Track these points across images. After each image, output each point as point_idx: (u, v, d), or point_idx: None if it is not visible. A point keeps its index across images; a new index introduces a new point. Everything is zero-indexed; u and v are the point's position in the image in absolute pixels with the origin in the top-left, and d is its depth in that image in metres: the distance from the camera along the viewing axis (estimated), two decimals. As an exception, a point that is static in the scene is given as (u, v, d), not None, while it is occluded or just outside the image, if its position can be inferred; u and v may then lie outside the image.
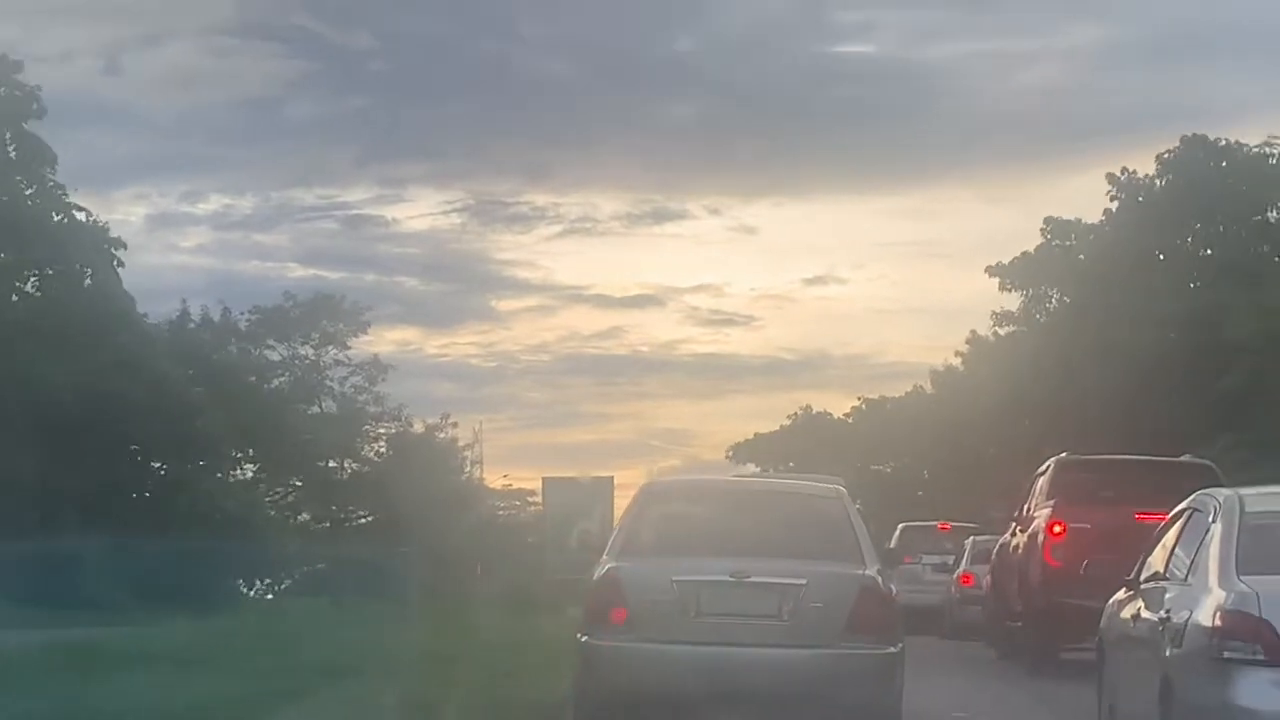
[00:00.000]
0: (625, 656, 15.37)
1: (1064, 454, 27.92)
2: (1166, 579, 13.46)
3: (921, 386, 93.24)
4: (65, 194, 53.90)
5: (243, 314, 76.44)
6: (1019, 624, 27.34)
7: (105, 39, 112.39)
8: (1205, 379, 54.00)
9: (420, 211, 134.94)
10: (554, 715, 17.66)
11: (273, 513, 73.96)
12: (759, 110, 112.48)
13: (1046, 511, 25.80)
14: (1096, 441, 42.66)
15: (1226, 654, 11.12)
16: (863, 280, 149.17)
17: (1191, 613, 11.85)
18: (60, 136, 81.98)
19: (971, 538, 38.15)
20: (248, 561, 59.83)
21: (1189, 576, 12.63)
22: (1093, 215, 67.15)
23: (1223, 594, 11.53)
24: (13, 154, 53.31)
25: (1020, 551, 27.21)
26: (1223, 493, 13.41)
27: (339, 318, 78.55)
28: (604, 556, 16.38)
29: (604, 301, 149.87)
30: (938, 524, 46.07)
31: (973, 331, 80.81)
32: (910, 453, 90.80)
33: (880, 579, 16.00)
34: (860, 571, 15.76)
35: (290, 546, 66.09)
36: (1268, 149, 63.38)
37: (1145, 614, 13.46)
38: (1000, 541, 30.32)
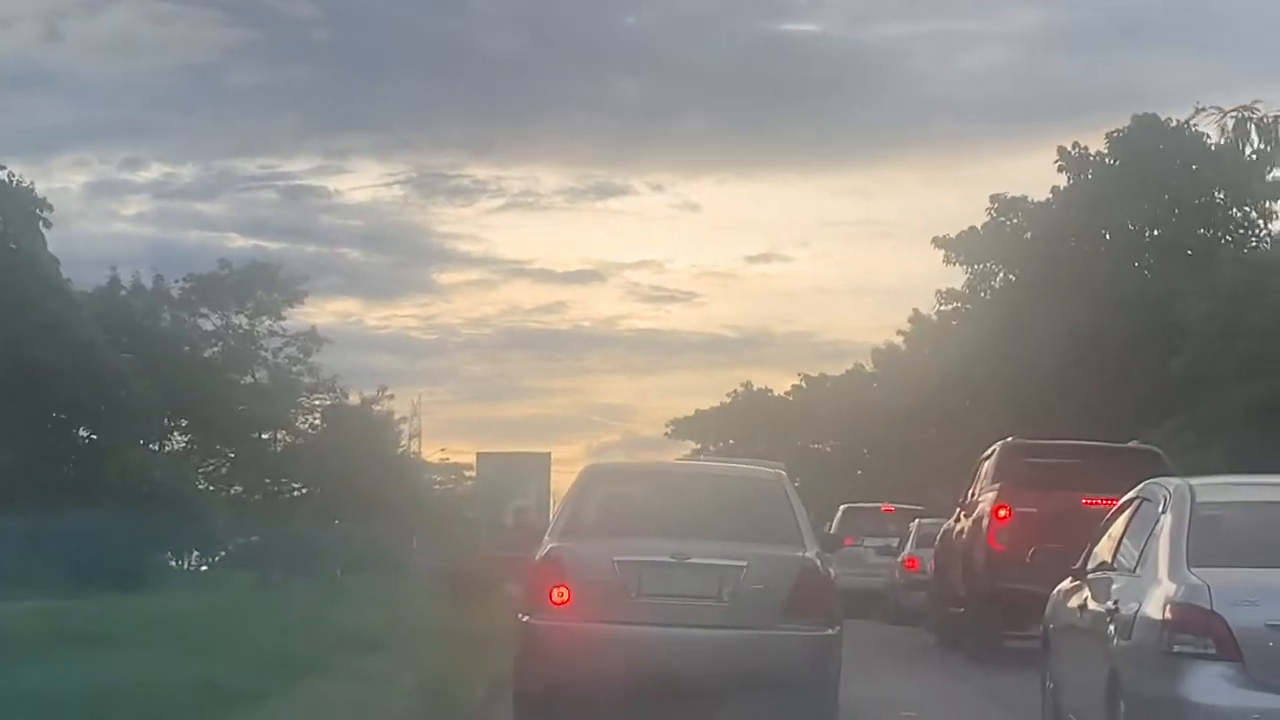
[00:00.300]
0: (566, 636, 15.42)
1: (1010, 438, 27.38)
2: (1114, 569, 13.20)
3: (862, 365, 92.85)
4: None
5: (176, 282, 75.91)
6: (961, 610, 26.58)
7: (45, 5, 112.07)
8: (1153, 361, 53.25)
9: (362, 183, 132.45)
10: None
11: (204, 485, 73.77)
12: (704, 87, 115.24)
13: (992, 495, 25.17)
14: (1042, 424, 42.65)
15: (1177, 648, 10.86)
16: (806, 258, 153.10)
17: (1141, 604, 11.60)
18: None
19: (916, 520, 37.39)
20: (177, 534, 59.05)
21: (1138, 567, 12.39)
22: (1040, 195, 66.43)
23: (1173, 586, 11.27)
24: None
25: (964, 536, 26.56)
26: (1173, 482, 13.20)
27: (274, 287, 77.80)
28: (546, 537, 16.55)
29: (546, 276, 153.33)
30: (881, 506, 45.14)
31: (915, 310, 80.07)
32: (850, 432, 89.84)
33: (820, 562, 16.20)
34: (800, 554, 15.94)
35: (221, 519, 65.27)
36: (1194, 125, 62.72)
37: (1092, 605, 13.20)
38: (944, 526, 29.62)
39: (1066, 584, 14.65)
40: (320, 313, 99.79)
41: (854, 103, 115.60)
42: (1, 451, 46.42)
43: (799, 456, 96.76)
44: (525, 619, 15.87)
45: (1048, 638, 15.20)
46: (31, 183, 55.35)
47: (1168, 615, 11.03)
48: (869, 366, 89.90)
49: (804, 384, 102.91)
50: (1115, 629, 12.03)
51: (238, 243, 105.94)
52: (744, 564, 15.53)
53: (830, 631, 15.70)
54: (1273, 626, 10.64)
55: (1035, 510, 24.07)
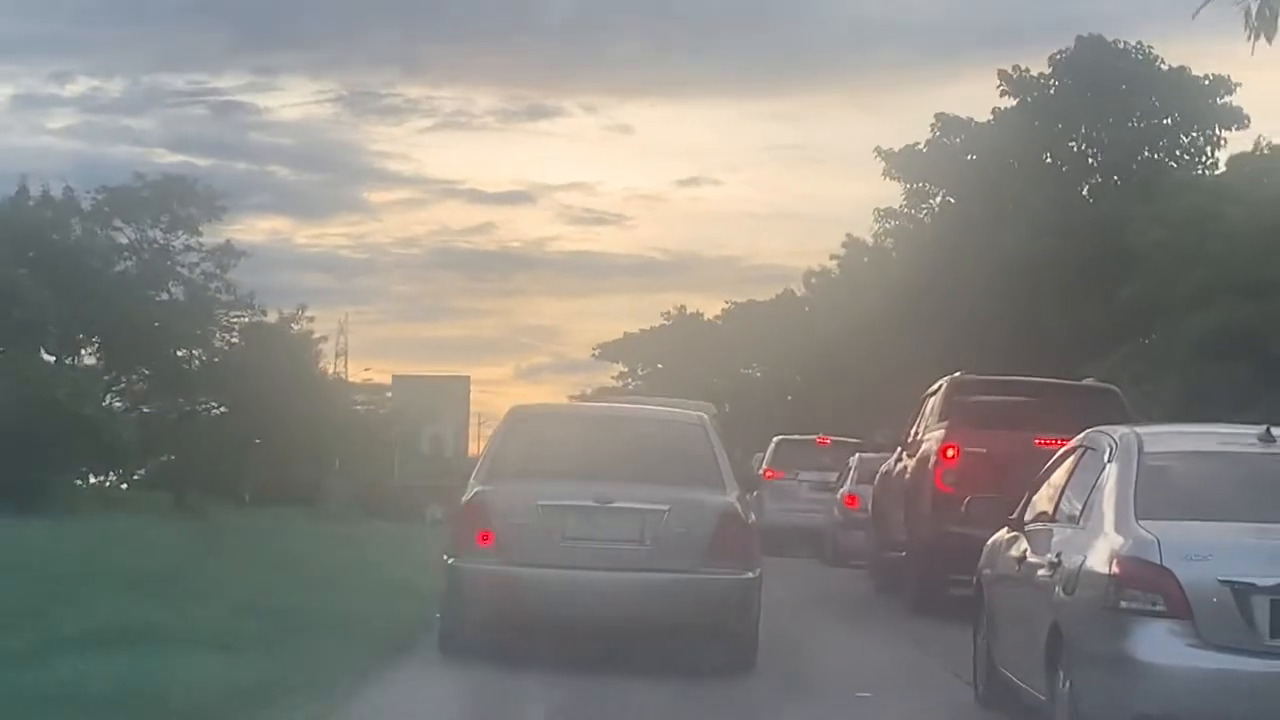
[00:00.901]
0: (491, 579, 15.61)
1: (958, 372, 25.41)
2: (1055, 520, 12.73)
3: (793, 290, 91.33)
4: None
5: (89, 193, 73.09)
6: (903, 554, 24.60)
7: None
8: (1100, 289, 51.75)
9: (293, 101, 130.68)
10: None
11: (116, 403, 72.07)
12: (638, 9, 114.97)
13: (939, 434, 23.08)
14: (976, 352, 41.79)
15: (1124, 604, 10.41)
16: (737, 183, 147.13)
17: (1086, 558, 11.15)
18: None
19: (857, 455, 34.82)
20: (83, 453, 58.05)
21: (1082, 519, 11.90)
22: (983, 118, 64.61)
23: (1120, 539, 10.82)
24: None
25: (908, 477, 24.49)
26: (1119, 431, 12.64)
27: (191, 201, 74.88)
28: (471, 479, 16.65)
29: (476, 197, 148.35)
30: (816, 438, 42.82)
31: (849, 235, 78.46)
32: (780, 357, 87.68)
33: (740, 506, 16.48)
34: (721, 498, 16.22)
35: (128, 437, 62.87)
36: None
37: (1032, 557, 12.70)
38: (884, 467, 27.54)
39: (1003, 534, 14.18)
40: (250, 230, 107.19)
41: (788, 27, 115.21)
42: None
43: (729, 380, 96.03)
44: (450, 561, 16.03)
45: (981, 589, 14.58)
46: None
47: (1115, 569, 10.54)
48: (800, 291, 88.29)
49: (734, 308, 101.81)
50: (1058, 583, 11.51)
51: (166, 159, 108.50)
52: (666, 508, 15.73)
53: (750, 575, 15.94)
54: (1224, 582, 10.13)
55: (985, 451, 21.96)
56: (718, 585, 15.70)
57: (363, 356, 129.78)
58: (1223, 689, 10.08)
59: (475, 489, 16.30)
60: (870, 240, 74.12)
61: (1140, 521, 10.81)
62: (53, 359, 58.64)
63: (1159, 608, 10.19)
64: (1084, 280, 54.68)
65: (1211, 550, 10.34)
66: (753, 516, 17.54)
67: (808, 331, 78.89)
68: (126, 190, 74.29)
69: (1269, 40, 20.83)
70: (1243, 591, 10.11)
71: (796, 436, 43.80)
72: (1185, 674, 10.11)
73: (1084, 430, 13.59)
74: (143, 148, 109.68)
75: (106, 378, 73.12)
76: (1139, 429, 12.73)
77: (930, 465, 22.83)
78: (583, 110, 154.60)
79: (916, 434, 25.16)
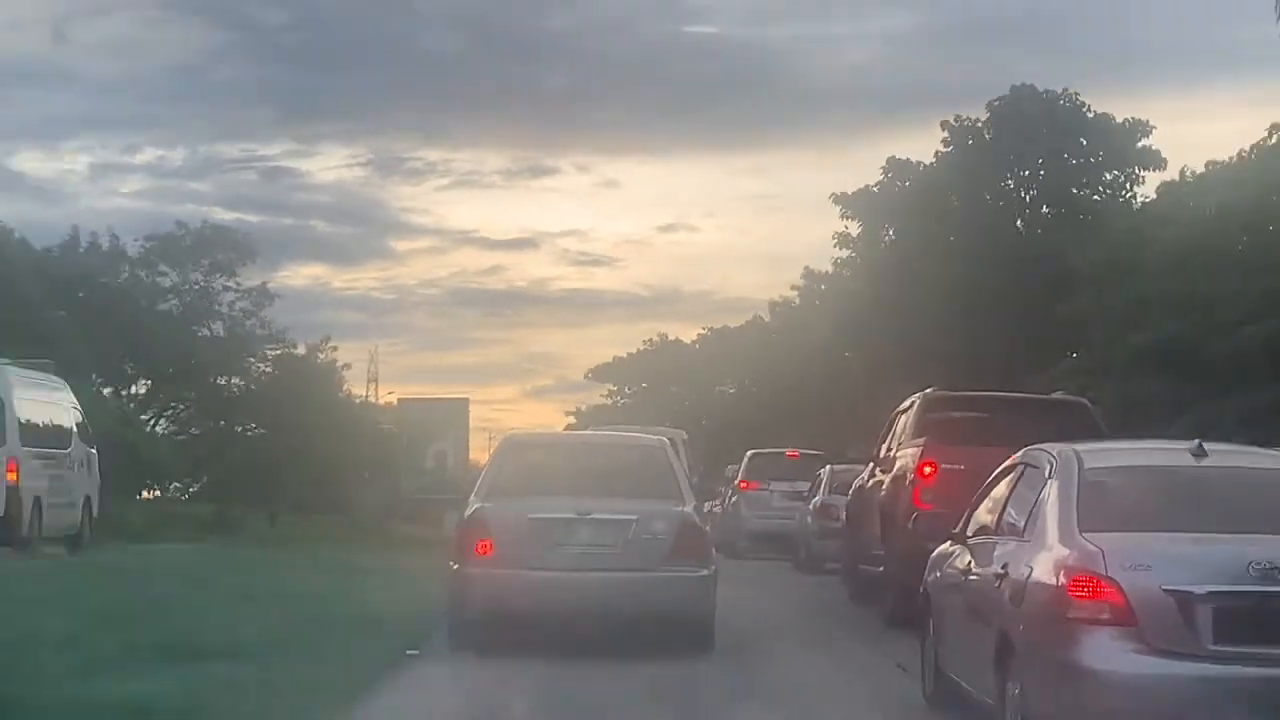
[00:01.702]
0: (490, 581, 15.73)
1: (930, 388, 21.88)
2: (998, 533, 11.80)
3: (760, 317, 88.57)
4: None
5: (136, 241, 70.59)
6: (879, 569, 21.07)
7: (53, 10, 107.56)
8: (1037, 309, 49.11)
9: (330, 165, 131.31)
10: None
11: (165, 426, 71.20)
12: (622, 80, 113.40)
13: (914, 450, 19.56)
14: (922, 371, 38.92)
15: (1072, 613, 9.59)
16: (710, 228, 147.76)
17: (1032, 569, 10.25)
18: (10, 95, 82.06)
19: (828, 467, 31.59)
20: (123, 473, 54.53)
21: (1025, 532, 10.95)
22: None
23: (1066, 551, 10.00)
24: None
25: (884, 493, 20.92)
26: (1057, 448, 11.56)
27: (229, 247, 72.66)
28: (472, 497, 16.75)
29: (487, 244, 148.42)
30: (786, 451, 39.90)
31: (807, 267, 76.70)
32: (750, 376, 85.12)
33: (696, 515, 16.93)
34: (680, 509, 16.49)
35: (169, 458, 60.79)
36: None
37: (978, 569, 11.76)
38: (857, 481, 24.07)
39: (945, 547, 13.28)
40: (294, 276, 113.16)
41: (751, 93, 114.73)
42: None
43: (704, 398, 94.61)
44: (456, 567, 16.18)
45: (928, 598, 13.54)
46: None
47: (1062, 580, 9.73)
48: (766, 318, 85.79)
49: (708, 334, 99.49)
50: (1005, 593, 10.62)
51: (221, 216, 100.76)
52: (634, 518, 16.06)
53: (706, 572, 16.20)
54: (1168, 591, 9.38)
55: (963, 467, 18.45)
56: (678, 581, 15.90)
57: (392, 382, 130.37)
58: (1169, 693, 9.25)
59: (475, 506, 16.53)
60: (830, 270, 71.78)
61: (1084, 534, 9.96)
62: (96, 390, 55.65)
63: (1105, 616, 9.40)
64: (1021, 301, 52.52)
65: (1153, 560, 9.53)
66: (708, 524, 18.22)
67: (773, 353, 76.65)
68: (171, 238, 72.01)
69: None
70: (1185, 599, 9.31)
71: (768, 450, 40.66)
72: (1133, 680, 9.28)
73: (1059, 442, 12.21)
74: (203, 207, 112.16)
75: (155, 405, 71.58)
76: (1077, 446, 11.65)
77: (908, 482, 19.45)
78: (576, 169, 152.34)
79: (890, 450, 21.71)
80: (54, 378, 31.72)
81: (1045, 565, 10.08)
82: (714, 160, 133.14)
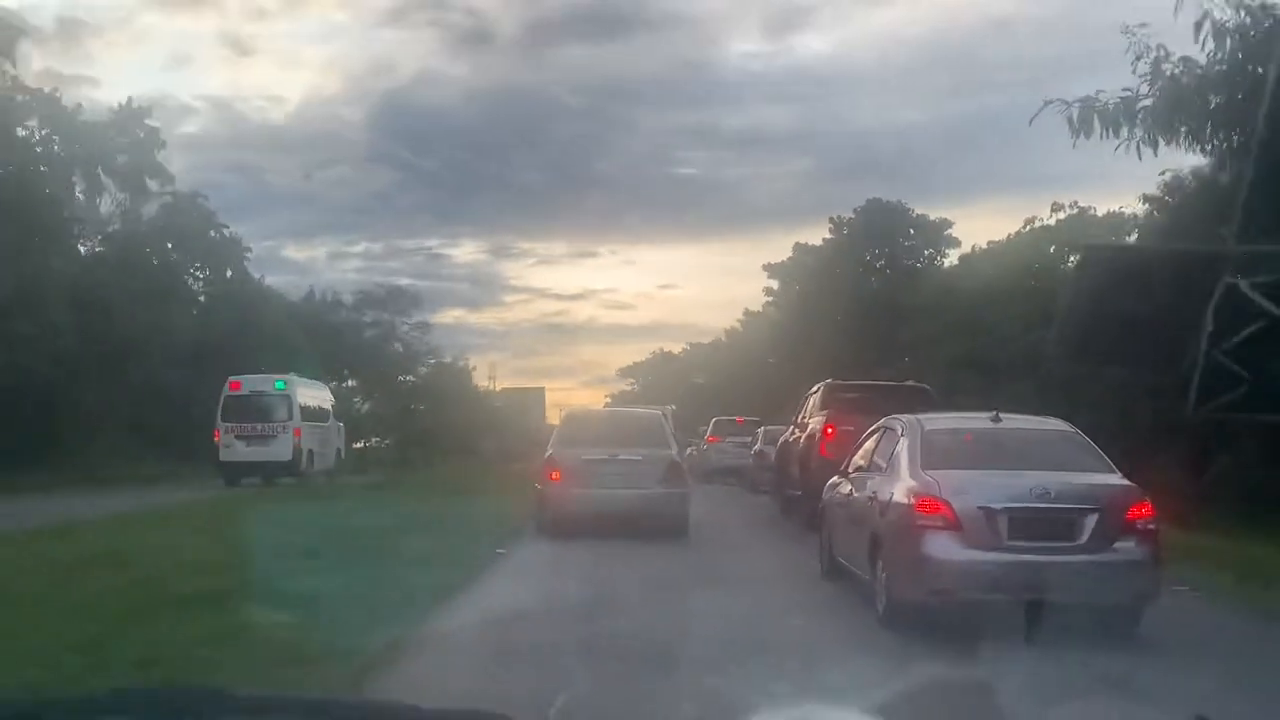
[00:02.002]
0: (560, 496, 15.64)
1: (830, 379, 20.29)
2: (868, 471, 10.89)
3: (720, 338, 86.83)
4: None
5: (350, 296, 69.72)
6: (799, 494, 19.45)
7: (303, 161, 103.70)
8: (884, 334, 47.48)
9: (466, 252, 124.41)
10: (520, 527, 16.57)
11: (367, 408, 68.62)
12: (638, 200, 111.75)
13: (821, 419, 18.04)
14: (815, 371, 37.53)
15: (920, 522, 8.93)
16: (689, 286, 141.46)
17: (893, 494, 9.58)
18: (278, 212, 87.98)
19: (763, 428, 29.86)
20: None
21: (888, 470, 10.14)
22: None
23: (914, 483, 9.33)
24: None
25: (801, 445, 19.33)
26: (907, 417, 10.78)
27: (405, 299, 71.52)
28: (548, 447, 16.41)
29: (558, 297, 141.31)
30: (736, 418, 38.17)
31: (746, 309, 76.13)
32: (716, 372, 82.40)
33: (678, 457, 16.76)
34: (668, 453, 16.31)
35: (370, 424, 60.87)
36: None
37: (856, 493, 11.01)
38: (782, 438, 22.46)
39: (835, 479, 12.38)
40: (445, 316, 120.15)
41: (714, 207, 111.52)
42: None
43: (686, 386, 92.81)
44: (539, 488, 16.05)
45: (824, 512, 12.56)
46: (235, 232, 47.55)
47: (912, 500, 9.15)
48: (724, 339, 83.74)
49: (690, 348, 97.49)
50: (876, 509, 9.94)
51: (403, 281, 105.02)
52: (642, 458, 15.87)
53: (684, 491, 16.02)
54: (980, 508, 8.79)
55: (852, 428, 16.93)
56: (667, 496, 15.74)
57: (504, 378, 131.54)
58: (982, 572, 8.71)
59: (550, 451, 16.25)
60: (760, 309, 70.21)
61: (925, 470, 9.43)
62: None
63: (940, 524, 8.86)
64: (876, 327, 50.31)
65: (970, 487, 9.00)
66: (686, 463, 17.83)
67: (727, 358, 75.05)
68: (371, 294, 70.84)
69: (1086, 137, 16.09)
70: (990, 512, 8.80)
71: (724, 418, 39.06)
72: (959, 564, 8.75)
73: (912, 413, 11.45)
74: (392, 277, 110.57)
75: (361, 394, 69.68)
76: (919, 415, 10.84)
77: (817, 439, 17.81)
78: (610, 252, 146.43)
79: (804, 418, 20.11)
80: (318, 382, 34.12)
81: (901, 491, 9.44)
82: (692, 246, 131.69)
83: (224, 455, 27.93)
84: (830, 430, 17.52)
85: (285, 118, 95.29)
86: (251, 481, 27.33)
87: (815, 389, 20.13)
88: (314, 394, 32.15)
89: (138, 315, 35.97)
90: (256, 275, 48.92)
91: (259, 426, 28.26)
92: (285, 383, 29.58)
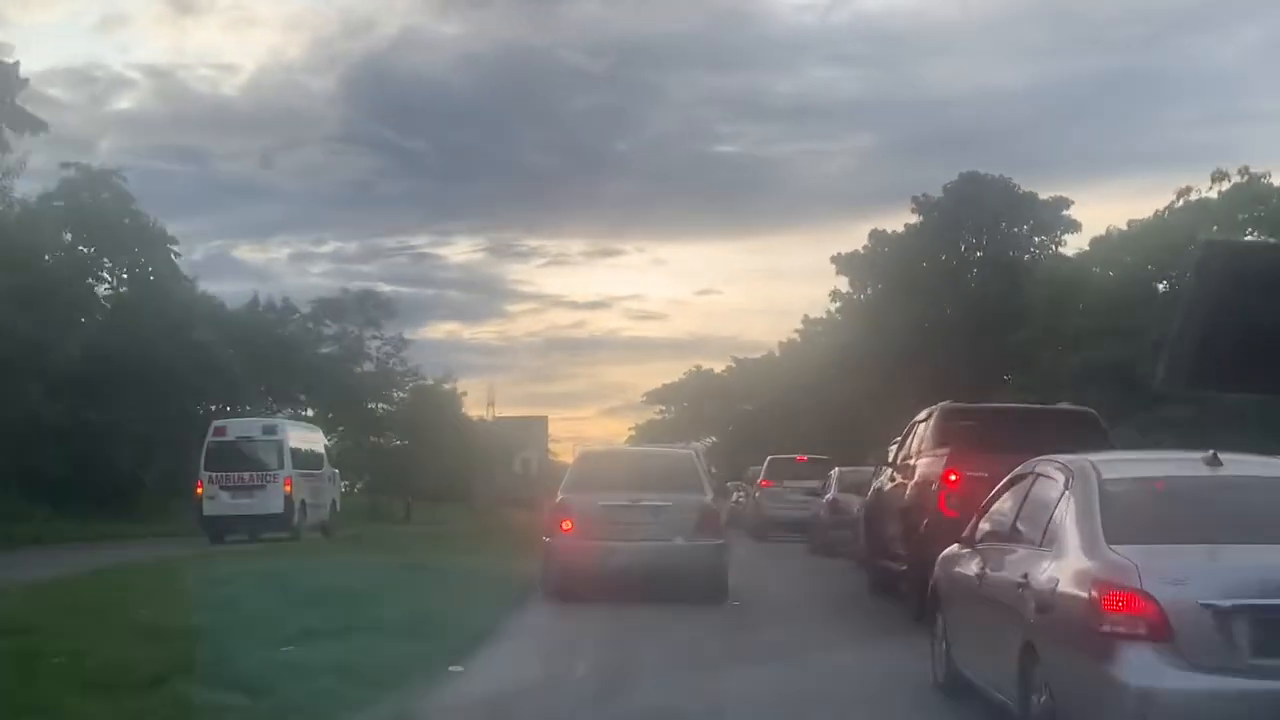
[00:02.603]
0: (572, 549, 15.63)
1: (946, 402, 16.75)
2: (1011, 541, 8.45)
3: (772, 352, 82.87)
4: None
5: (306, 303, 66.98)
6: (901, 566, 15.98)
7: (261, 143, 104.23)
8: (991, 339, 44.21)
9: (460, 251, 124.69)
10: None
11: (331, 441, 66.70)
12: (669, 186, 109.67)
13: (939, 460, 14.61)
14: (904, 393, 35.32)
15: (1106, 627, 6.59)
16: (732, 292, 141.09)
17: (1059, 580, 7.20)
18: (230, 205, 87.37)
19: (837, 469, 26.59)
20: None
21: (1044, 542, 7.73)
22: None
23: (1096, 564, 6.95)
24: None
25: (907, 497, 15.82)
26: (1070, 459, 8.25)
27: (376, 306, 68.63)
28: (559, 491, 16.59)
29: (573, 305, 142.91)
30: (797, 456, 34.75)
31: (806, 316, 71.74)
32: (765, 397, 78.68)
33: (714, 503, 16.54)
34: (701, 498, 16.17)
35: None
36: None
37: (994, 574, 8.47)
38: (875, 483, 18.93)
39: (954, 549, 9.86)
40: (435, 331, 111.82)
41: (759, 195, 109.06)
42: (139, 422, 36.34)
43: (731, 413, 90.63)
44: (547, 540, 16.03)
45: (938, 600, 10.01)
46: (159, 221, 43.93)
47: (1095, 594, 6.73)
48: (777, 353, 79.94)
49: (735, 365, 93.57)
50: (1030, 603, 7.46)
51: (383, 288, 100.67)
52: (670, 503, 15.77)
53: (720, 542, 15.97)
54: (1205, 606, 6.44)
55: (986, 475, 13.41)
56: (700, 549, 15.64)
57: (505, 406, 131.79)
58: (1210, 710, 6.35)
59: (561, 496, 16.39)
60: (825, 316, 66.81)
61: (1112, 546, 6.95)
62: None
63: (1141, 631, 6.46)
64: (973, 334, 47.71)
65: (1187, 573, 6.59)
66: (724, 510, 17.77)
67: (785, 377, 70.57)
68: (334, 300, 68.28)
69: None
70: (1223, 613, 6.38)
71: (782, 456, 35.50)
72: (1173, 696, 6.37)
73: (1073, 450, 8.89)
74: (369, 283, 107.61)
75: (323, 425, 67.54)
76: (1090, 457, 8.29)
77: (934, 490, 14.34)
78: (636, 250, 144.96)
79: (907, 457, 16.62)
80: (313, 425, 35.62)
81: (1073, 577, 7.18)
82: (733, 242, 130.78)
83: (208, 509, 29.17)
84: (953, 477, 14.11)
85: (238, 90, 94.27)
86: (237, 539, 28.18)
87: (925, 415, 16.65)
88: (306, 437, 33.42)
89: (18, 327, 32.98)
90: (191, 277, 45.86)
91: (246, 476, 29.46)
92: (276, 427, 31.44)
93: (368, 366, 68.44)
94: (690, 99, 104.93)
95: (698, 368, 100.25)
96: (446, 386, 72.35)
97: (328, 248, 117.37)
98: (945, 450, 14.64)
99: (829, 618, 15.49)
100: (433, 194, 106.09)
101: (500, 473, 46.64)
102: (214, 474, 29.20)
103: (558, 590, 15.57)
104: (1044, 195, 53.66)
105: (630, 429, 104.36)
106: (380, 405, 69.32)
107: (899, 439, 17.77)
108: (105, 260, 42.59)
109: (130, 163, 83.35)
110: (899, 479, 16.68)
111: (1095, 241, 44.09)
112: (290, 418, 60.47)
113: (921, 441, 16.10)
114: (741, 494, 36.94)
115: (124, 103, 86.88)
